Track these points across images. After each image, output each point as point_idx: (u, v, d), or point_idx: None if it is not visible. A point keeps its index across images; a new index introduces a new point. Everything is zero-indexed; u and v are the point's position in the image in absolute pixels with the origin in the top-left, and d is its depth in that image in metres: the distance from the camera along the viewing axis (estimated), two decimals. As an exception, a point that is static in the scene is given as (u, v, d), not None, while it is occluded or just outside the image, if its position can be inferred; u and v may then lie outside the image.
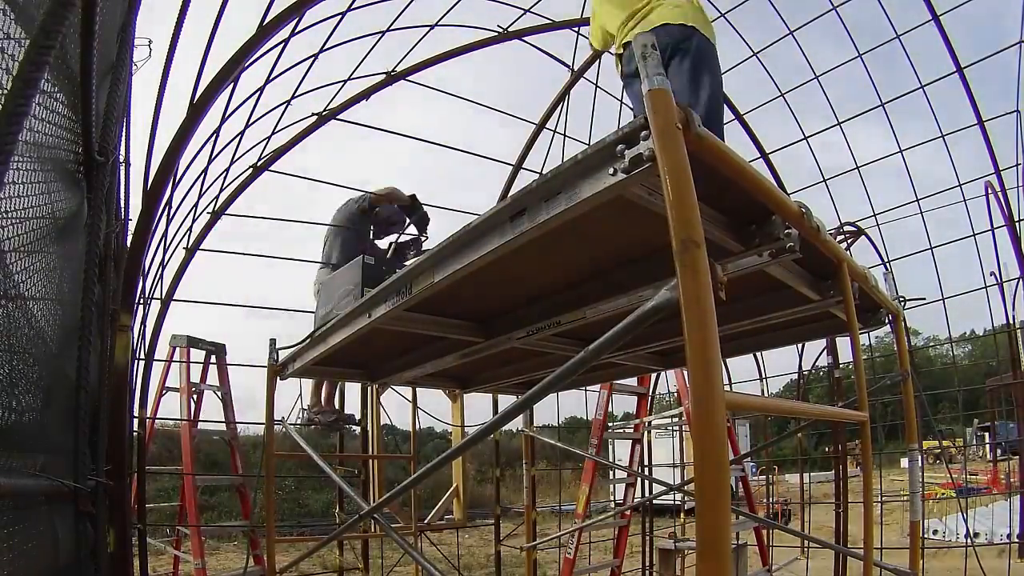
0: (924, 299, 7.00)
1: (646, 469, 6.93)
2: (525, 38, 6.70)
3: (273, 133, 6.28)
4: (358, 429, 7.01)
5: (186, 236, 6.49)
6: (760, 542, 6.26)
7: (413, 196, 5.27)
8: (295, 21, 4.67)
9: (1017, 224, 6.36)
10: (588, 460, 5.41)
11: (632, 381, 5.88)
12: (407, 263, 2.68)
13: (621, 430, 6.11)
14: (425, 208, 5.26)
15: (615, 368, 4.00)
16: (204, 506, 13.80)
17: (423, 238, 5.24)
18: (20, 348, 1.42)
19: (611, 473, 6.16)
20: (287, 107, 6.05)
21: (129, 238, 3.71)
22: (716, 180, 1.37)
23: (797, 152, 7.30)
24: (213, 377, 6.88)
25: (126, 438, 3.99)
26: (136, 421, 5.96)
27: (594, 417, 5.48)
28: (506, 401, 6.60)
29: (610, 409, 6.11)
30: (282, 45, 5.18)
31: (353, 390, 7.18)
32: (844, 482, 7.38)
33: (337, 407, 6.12)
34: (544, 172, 1.92)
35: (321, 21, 5.37)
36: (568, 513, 10.93)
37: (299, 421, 5.55)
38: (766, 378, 8.39)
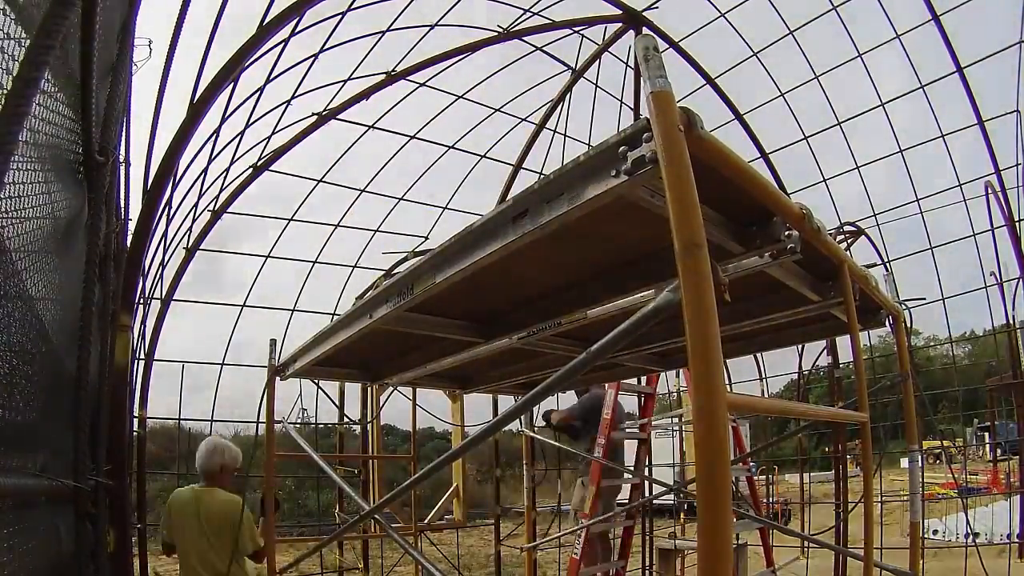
0: (924, 299, 7.02)
1: (647, 469, 6.93)
2: (525, 38, 6.70)
3: (273, 133, 6.29)
4: (358, 429, 7.01)
5: (186, 236, 6.50)
6: (764, 542, 6.26)
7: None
8: (295, 21, 4.67)
9: (1017, 224, 6.37)
10: (594, 461, 5.39)
11: (640, 380, 5.87)
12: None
13: (627, 430, 6.08)
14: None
15: (616, 369, 4.00)
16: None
17: None
18: (20, 348, 1.42)
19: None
20: (287, 107, 6.05)
21: (129, 238, 3.70)
22: (717, 181, 1.36)
23: (797, 152, 7.32)
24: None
25: (126, 438, 3.99)
26: (136, 421, 5.97)
27: (602, 416, 5.46)
28: (506, 401, 6.60)
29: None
30: (282, 45, 5.19)
31: (353, 390, 7.20)
32: (844, 482, 7.38)
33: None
34: (545, 173, 1.91)
35: (321, 21, 5.38)
36: (568, 513, 10.91)
37: (299, 421, 5.55)
38: (766, 378, 8.40)
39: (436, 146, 7.62)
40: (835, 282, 2.14)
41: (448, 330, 2.70)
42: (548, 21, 6.57)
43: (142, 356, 6.26)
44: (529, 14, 6.34)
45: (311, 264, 7.76)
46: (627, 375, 4.62)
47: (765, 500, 10.45)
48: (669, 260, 1.11)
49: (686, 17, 6.86)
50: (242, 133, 5.91)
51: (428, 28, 6.20)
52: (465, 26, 6.32)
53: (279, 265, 7.62)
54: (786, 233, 1.65)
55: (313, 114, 6.26)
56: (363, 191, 7.57)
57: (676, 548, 6.33)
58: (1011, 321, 7.09)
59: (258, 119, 5.89)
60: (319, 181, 7.24)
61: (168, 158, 3.99)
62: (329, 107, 6.28)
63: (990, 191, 6.53)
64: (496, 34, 6.42)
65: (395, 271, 6.40)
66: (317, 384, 5.89)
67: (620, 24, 6.60)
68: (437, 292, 2.03)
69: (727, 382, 4.54)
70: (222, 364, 7.39)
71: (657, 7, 6.55)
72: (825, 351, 7.74)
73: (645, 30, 6.46)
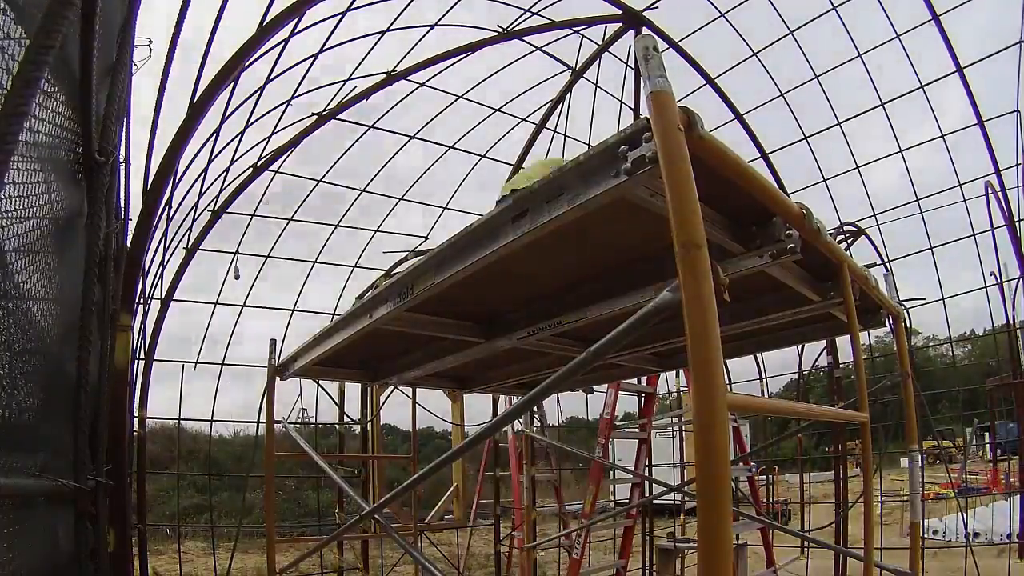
0: (924, 299, 7.02)
1: (647, 469, 6.92)
2: (525, 38, 6.70)
3: (273, 133, 6.29)
4: (358, 429, 7.01)
5: (186, 236, 6.50)
6: (765, 542, 6.26)
7: None
8: (295, 21, 4.67)
9: (1017, 224, 6.36)
10: (594, 460, 5.40)
11: (640, 380, 5.87)
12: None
13: (627, 430, 6.09)
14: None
15: (615, 369, 3.99)
16: (203, 506, 13.74)
17: None
18: (20, 348, 1.41)
19: (611, 473, 6.14)
20: (287, 107, 6.05)
21: (129, 238, 3.70)
22: (718, 182, 1.36)
23: (797, 152, 7.31)
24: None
25: (126, 438, 3.98)
26: (136, 421, 5.97)
27: (601, 416, 5.46)
28: (506, 401, 6.59)
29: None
30: (282, 45, 5.18)
31: (353, 390, 7.19)
32: (844, 482, 7.37)
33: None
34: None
35: (321, 21, 5.37)
36: (568, 513, 10.92)
37: (299, 421, 5.54)
38: (766, 378, 8.40)
39: (436, 146, 7.61)
40: (835, 282, 2.14)
41: (448, 330, 2.70)
42: (548, 21, 6.57)
43: (142, 356, 6.26)
44: (529, 14, 6.33)
45: (311, 264, 7.77)
46: (627, 375, 4.62)
47: (765, 500, 10.45)
48: (669, 260, 1.11)
49: (686, 17, 6.85)
50: (242, 133, 5.91)
51: (428, 28, 6.20)
52: (465, 26, 6.32)
53: (279, 264, 7.63)
54: (786, 233, 1.65)
55: (313, 114, 6.26)
56: (363, 191, 7.57)
57: (676, 548, 6.33)
58: (1011, 321, 7.09)
59: (258, 119, 5.89)
60: (319, 181, 7.24)
61: (168, 158, 3.99)
62: (329, 107, 6.28)
63: (990, 191, 6.52)
64: (496, 34, 6.41)
65: (395, 271, 6.40)
66: (317, 384, 5.91)
67: (620, 24, 6.60)
68: (437, 292, 2.03)
69: (727, 382, 4.54)
70: (222, 364, 7.39)
71: (657, 7, 6.54)
72: (825, 351, 7.74)
73: (645, 30, 6.46)
